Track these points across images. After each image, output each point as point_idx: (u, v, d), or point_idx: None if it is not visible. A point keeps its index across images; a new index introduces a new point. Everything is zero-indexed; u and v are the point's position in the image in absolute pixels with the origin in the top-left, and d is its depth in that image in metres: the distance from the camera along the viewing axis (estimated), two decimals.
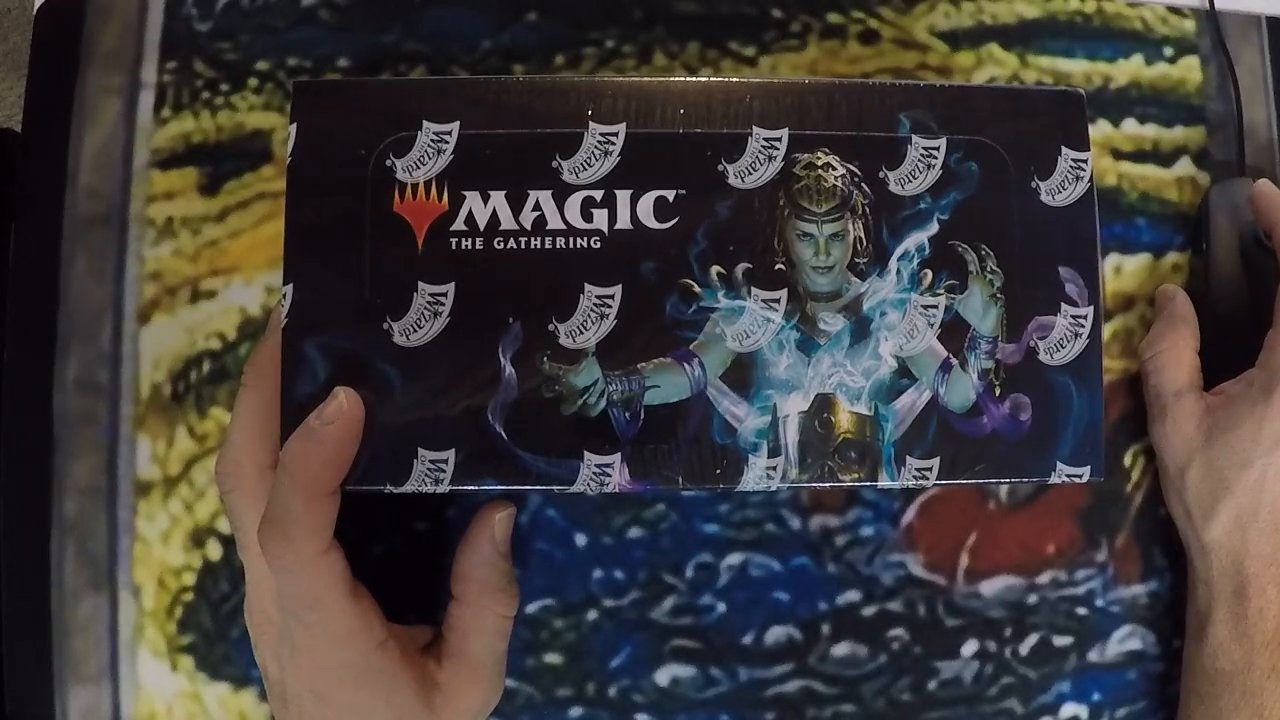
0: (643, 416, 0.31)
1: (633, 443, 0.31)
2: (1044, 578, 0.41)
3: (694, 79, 0.32)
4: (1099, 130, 0.43)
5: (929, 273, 0.32)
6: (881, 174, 0.32)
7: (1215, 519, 0.37)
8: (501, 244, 0.31)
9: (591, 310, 0.31)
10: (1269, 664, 0.36)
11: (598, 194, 0.31)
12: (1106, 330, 0.42)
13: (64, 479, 0.39)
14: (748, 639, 0.40)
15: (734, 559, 0.40)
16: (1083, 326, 0.32)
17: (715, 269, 0.31)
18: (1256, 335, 0.38)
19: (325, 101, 0.31)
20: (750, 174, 0.31)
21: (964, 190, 0.32)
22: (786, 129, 0.32)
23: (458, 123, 0.31)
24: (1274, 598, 0.36)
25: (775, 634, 0.40)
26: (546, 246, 0.31)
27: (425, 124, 0.31)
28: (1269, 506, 0.36)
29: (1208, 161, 0.44)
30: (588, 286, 0.31)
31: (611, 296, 0.31)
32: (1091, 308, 0.32)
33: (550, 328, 0.31)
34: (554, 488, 0.30)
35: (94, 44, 0.41)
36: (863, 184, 0.32)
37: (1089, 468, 0.32)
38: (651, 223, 0.31)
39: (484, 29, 0.42)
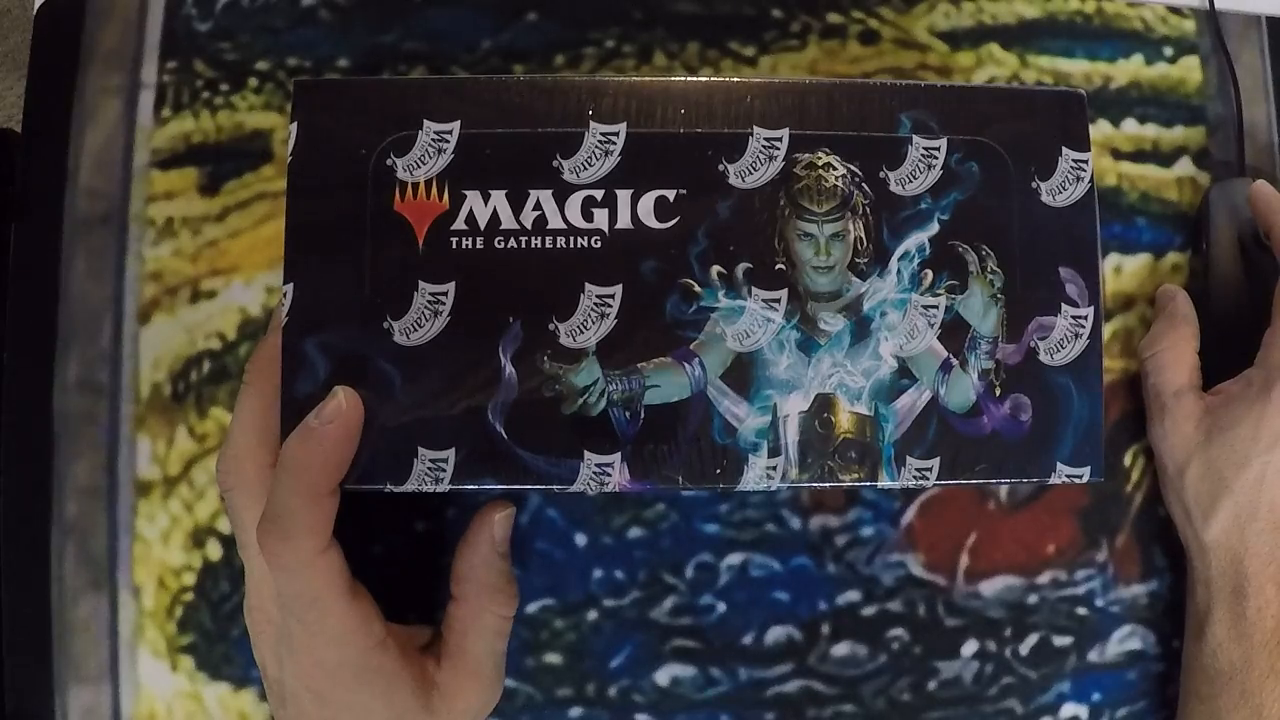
0: (643, 416, 0.31)
1: (633, 442, 0.31)
2: (1044, 578, 0.41)
3: (695, 79, 0.32)
4: (1099, 130, 0.43)
5: (929, 273, 0.32)
6: (882, 174, 0.32)
7: (1214, 518, 0.37)
8: (502, 243, 0.31)
9: (592, 310, 0.31)
10: (1268, 663, 0.36)
11: (598, 193, 0.31)
12: (1106, 330, 0.42)
13: (64, 479, 0.39)
14: (748, 639, 0.40)
15: (734, 559, 0.40)
16: (1083, 327, 0.32)
17: (716, 269, 0.31)
18: (1256, 335, 0.38)
19: (326, 101, 0.31)
20: (751, 174, 0.31)
21: (964, 190, 0.32)
22: (787, 129, 0.32)
23: (458, 122, 0.31)
24: (1273, 597, 0.36)
25: (775, 634, 0.40)
26: (547, 246, 0.31)
27: (426, 123, 0.31)
28: (1268, 505, 0.36)
29: (1208, 161, 0.44)
30: (588, 286, 0.31)
31: (612, 296, 0.31)
32: (1092, 308, 0.32)
33: (550, 327, 0.31)
34: (554, 487, 0.30)
35: (94, 44, 0.41)
36: (863, 184, 0.32)
37: (1089, 468, 0.32)
38: (652, 222, 0.31)
39: (484, 29, 0.42)
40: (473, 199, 0.31)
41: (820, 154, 0.32)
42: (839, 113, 0.32)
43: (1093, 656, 0.41)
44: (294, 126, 0.31)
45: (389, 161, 0.31)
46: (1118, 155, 0.43)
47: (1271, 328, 0.37)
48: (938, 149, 0.32)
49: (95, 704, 0.39)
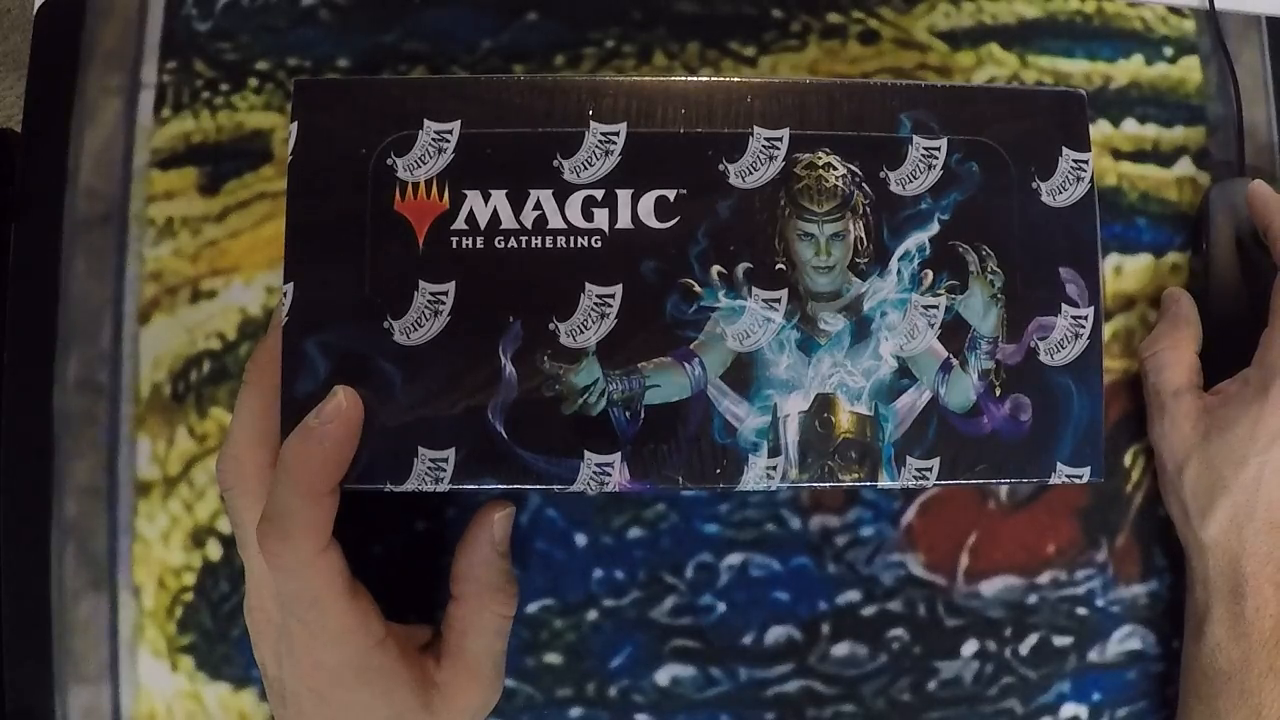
0: (643, 416, 0.31)
1: (633, 442, 0.31)
2: (1044, 578, 0.41)
3: (695, 79, 0.32)
4: (1099, 130, 0.43)
5: (929, 273, 0.32)
6: (882, 174, 0.32)
7: (1212, 518, 0.37)
8: (502, 243, 0.31)
9: (592, 309, 0.31)
10: (1266, 663, 0.36)
11: (598, 193, 0.31)
12: (1107, 330, 0.42)
13: (64, 479, 0.39)
14: (748, 639, 0.40)
15: (734, 559, 0.40)
16: (1083, 327, 0.32)
17: (716, 269, 0.31)
18: (1256, 334, 0.38)
19: (326, 100, 0.31)
20: (751, 174, 0.31)
21: (965, 190, 0.32)
22: (788, 129, 0.32)
23: (459, 122, 0.31)
24: (1271, 597, 0.36)
25: (775, 634, 0.40)
26: (547, 246, 0.31)
27: (426, 123, 0.31)
28: (1265, 505, 0.36)
29: (1208, 161, 0.44)
30: (588, 286, 0.31)
31: (612, 296, 0.31)
32: (1092, 308, 0.32)
33: (551, 327, 0.31)
34: (554, 487, 0.30)
35: (94, 44, 0.41)
36: (864, 184, 0.32)
37: (1089, 468, 0.32)
38: (652, 222, 0.31)
39: (484, 29, 0.42)
40: (473, 199, 0.31)
41: (820, 154, 0.32)
42: (839, 113, 0.32)
43: (1093, 656, 0.41)
44: (294, 126, 0.31)
45: (389, 161, 0.31)
46: (1118, 155, 0.43)
47: (1269, 328, 0.37)
48: (938, 149, 0.32)
49: (95, 704, 0.39)
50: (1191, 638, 0.38)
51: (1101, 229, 0.38)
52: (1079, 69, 0.44)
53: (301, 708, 0.32)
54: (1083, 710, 0.41)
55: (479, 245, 0.31)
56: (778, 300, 0.31)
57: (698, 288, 0.31)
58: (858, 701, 0.40)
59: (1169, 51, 0.44)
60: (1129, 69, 0.44)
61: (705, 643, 0.40)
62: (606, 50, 0.42)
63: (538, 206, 0.31)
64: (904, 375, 0.32)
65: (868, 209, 0.32)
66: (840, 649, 0.40)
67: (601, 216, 0.31)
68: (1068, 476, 0.32)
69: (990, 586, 0.41)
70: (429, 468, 0.30)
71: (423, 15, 0.42)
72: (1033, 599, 0.41)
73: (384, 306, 0.31)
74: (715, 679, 0.40)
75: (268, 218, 0.41)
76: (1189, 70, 0.44)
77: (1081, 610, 0.41)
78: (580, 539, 0.40)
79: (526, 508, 0.40)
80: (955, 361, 0.32)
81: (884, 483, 0.31)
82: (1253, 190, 0.40)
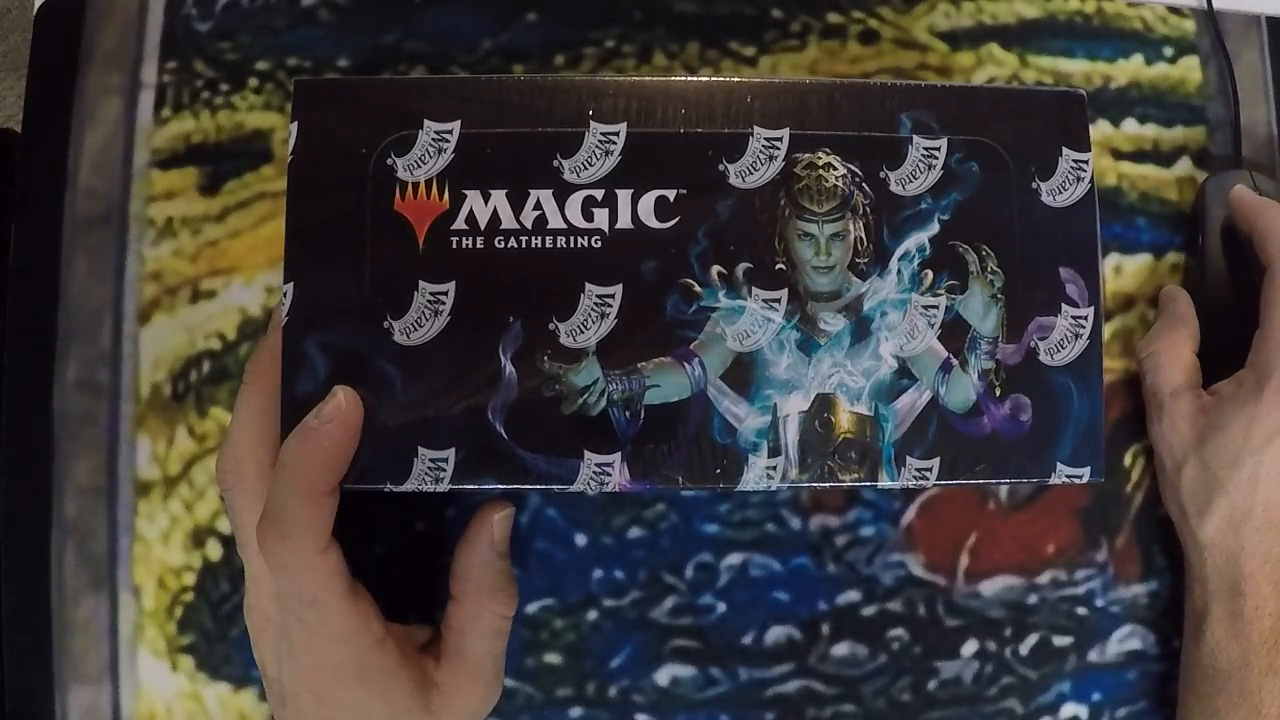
0: (643, 416, 0.31)
1: (633, 442, 0.31)
2: (1044, 578, 0.41)
3: (695, 79, 0.32)
4: (1099, 130, 0.43)
5: (929, 273, 0.32)
6: (882, 174, 0.32)
7: (1209, 517, 0.37)
8: (502, 243, 0.31)
9: (592, 309, 0.31)
10: (1266, 662, 0.36)
11: (598, 193, 0.31)
12: (1106, 330, 0.42)
13: (64, 479, 0.39)
14: (748, 639, 0.40)
15: (734, 559, 0.40)
16: (1083, 327, 0.32)
17: (716, 269, 0.31)
18: (1253, 327, 0.38)
19: (326, 100, 0.31)
20: (751, 174, 0.31)
21: (965, 191, 0.32)
22: (788, 129, 0.32)
23: (459, 122, 0.31)
24: (1270, 596, 0.36)
25: (775, 634, 0.40)
26: (547, 246, 0.31)
27: (426, 123, 0.31)
28: (1262, 505, 0.36)
29: (1208, 161, 0.44)
30: (588, 286, 0.31)
31: (612, 296, 0.31)
32: (1092, 308, 0.32)
33: (551, 327, 0.31)
34: (554, 487, 0.30)
35: (94, 44, 0.41)
36: (864, 184, 0.32)
37: (1089, 468, 0.32)
38: (652, 222, 0.31)
39: (484, 29, 0.42)
40: (473, 199, 0.31)
41: (820, 154, 0.32)
42: (839, 113, 0.32)
43: (1093, 656, 0.41)
44: (294, 126, 0.31)
45: (389, 161, 0.31)
46: (1118, 155, 0.43)
47: (1260, 329, 0.37)
48: (938, 149, 0.32)
49: (95, 704, 0.39)
50: (1190, 637, 0.38)
51: (1101, 229, 0.38)
52: (1079, 69, 0.44)
53: (301, 708, 0.32)
54: (1082, 710, 0.41)
55: (479, 245, 0.31)
56: (778, 300, 0.31)
57: (698, 288, 0.31)
58: (858, 701, 0.40)
59: (1169, 51, 0.44)
60: (1129, 69, 0.44)
61: (705, 643, 0.40)
62: (606, 50, 0.42)
63: (538, 206, 0.31)
64: (904, 375, 0.32)
65: (868, 209, 0.32)
66: (840, 649, 0.40)
67: (601, 216, 0.31)
68: (1068, 476, 0.32)
69: (990, 586, 0.41)
70: (429, 468, 0.30)
71: (423, 15, 0.42)
72: (1033, 599, 0.41)
73: (384, 306, 0.31)
74: (715, 679, 0.40)
75: (268, 218, 0.41)
76: (1189, 70, 0.44)
77: (1081, 610, 0.41)
78: (580, 539, 0.40)
79: (526, 508, 0.40)
80: (955, 361, 0.32)
81: (884, 483, 0.31)
82: (1235, 195, 0.40)
